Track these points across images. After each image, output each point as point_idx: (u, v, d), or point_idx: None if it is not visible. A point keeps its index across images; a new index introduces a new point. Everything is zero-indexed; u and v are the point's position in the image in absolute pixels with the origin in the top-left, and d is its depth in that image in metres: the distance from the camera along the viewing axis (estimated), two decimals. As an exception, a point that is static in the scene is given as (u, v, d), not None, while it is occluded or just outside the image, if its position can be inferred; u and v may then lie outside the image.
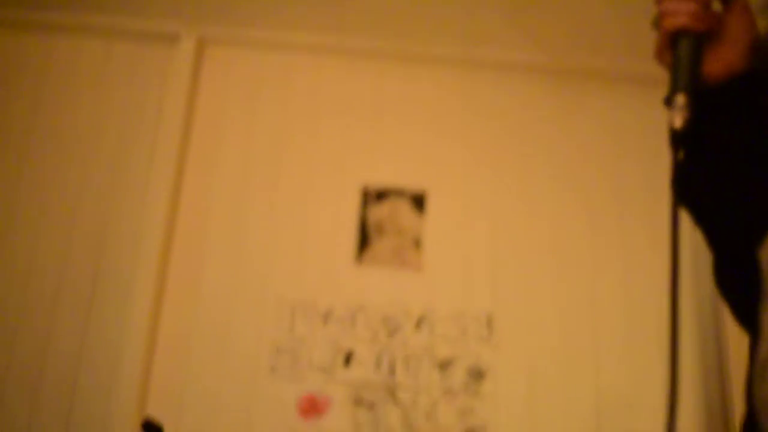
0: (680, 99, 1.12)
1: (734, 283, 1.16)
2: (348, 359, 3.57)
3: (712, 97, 1.14)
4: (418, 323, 3.62)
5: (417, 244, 3.75)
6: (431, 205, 3.81)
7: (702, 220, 1.16)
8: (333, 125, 3.92)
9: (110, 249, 3.73)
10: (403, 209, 3.80)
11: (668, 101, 1.14)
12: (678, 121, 1.12)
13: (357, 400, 3.52)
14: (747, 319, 1.14)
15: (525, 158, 3.86)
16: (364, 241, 3.75)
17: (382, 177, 3.84)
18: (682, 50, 1.14)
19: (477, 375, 3.55)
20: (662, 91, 1.18)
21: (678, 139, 1.12)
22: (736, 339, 3.26)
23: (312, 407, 3.51)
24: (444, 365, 3.56)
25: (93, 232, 3.75)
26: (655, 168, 3.67)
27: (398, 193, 3.82)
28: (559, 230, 3.69)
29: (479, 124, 3.92)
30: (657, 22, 1.17)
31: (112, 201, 3.79)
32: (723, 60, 1.15)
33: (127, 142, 3.86)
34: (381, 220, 3.78)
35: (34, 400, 3.54)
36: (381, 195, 3.81)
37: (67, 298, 3.67)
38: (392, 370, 3.55)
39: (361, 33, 3.98)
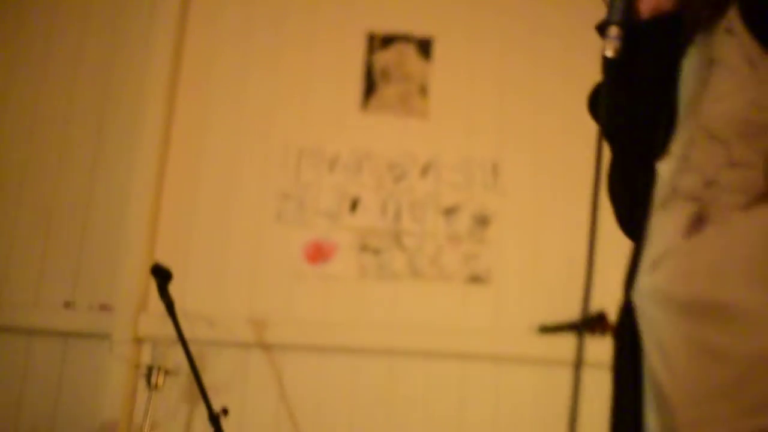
0: (613, 30, 1.24)
1: (627, 191, 1.31)
2: (354, 205, 3.60)
3: (639, 30, 1.26)
4: (424, 170, 3.63)
5: (423, 90, 3.72)
6: (438, 51, 3.76)
7: (613, 135, 1.29)
8: (339, -32, 3.83)
9: (115, 96, 3.72)
10: (410, 55, 3.76)
11: (602, 30, 1.27)
12: (610, 51, 1.24)
13: (363, 246, 3.56)
14: (630, 224, 1.30)
15: (534, 3, 3.78)
16: (370, 87, 3.72)
17: (388, 22, 3.78)
18: None
19: (482, 221, 3.58)
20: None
21: (609, 67, 1.24)
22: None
23: (318, 252, 3.56)
24: (449, 212, 3.59)
25: (97, 83, 3.73)
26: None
27: (404, 38, 3.77)
28: (567, 78, 3.64)
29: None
30: None
31: (115, 48, 3.76)
32: (652, 1, 1.29)
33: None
34: (387, 65, 3.74)
35: (44, 249, 3.59)
36: (387, 40, 3.76)
37: (74, 148, 3.68)
38: (398, 217, 3.58)
39: None
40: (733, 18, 1.14)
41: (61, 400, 3.45)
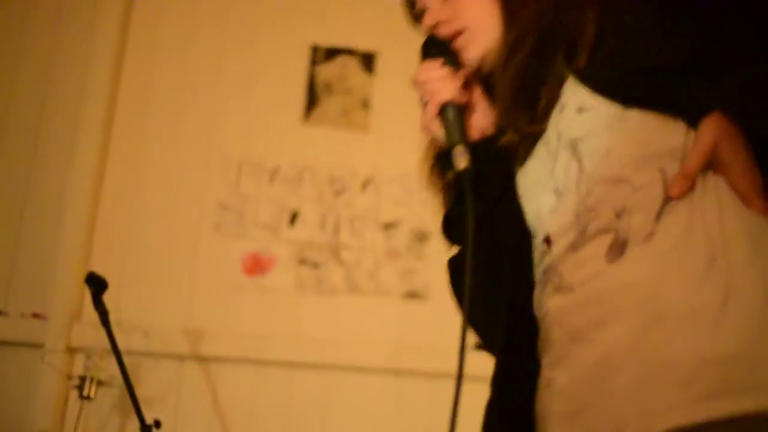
0: (459, 148, 1.40)
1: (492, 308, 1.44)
2: (293, 218, 3.59)
3: (476, 149, 1.43)
4: (364, 184, 3.64)
5: (366, 104, 3.73)
6: (381, 65, 3.77)
7: (478, 254, 1.36)
8: (283, -20, 3.83)
9: (53, 104, 3.66)
10: (353, 68, 3.76)
11: (447, 156, 1.42)
12: (464, 163, 1.39)
13: (301, 259, 3.56)
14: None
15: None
16: (312, 100, 3.72)
17: (332, 35, 3.79)
18: (451, 114, 1.44)
19: (420, 237, 3.59)
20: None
21: (464, 179, 1.38)
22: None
23: (256, 265, 3.54)
24: (388, 227, 3.60)
25: (36, 87, 3.68)
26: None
27: (348, 51, 3.77)
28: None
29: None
30: (425, 99, 1.48)
31: (55, 54, 3.71)
32: (478, 127, 1.48)
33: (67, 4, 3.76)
34: (329, 79, 3.74)
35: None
36: (330, 53, 3.77)
37: (9, 152, 3.62)
38: (337, 231, 3.58)
39: None
40: (581, 98, 1.29)
41: (-10, 409, 3.39)
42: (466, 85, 1.50)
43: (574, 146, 1.30)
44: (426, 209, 3.61)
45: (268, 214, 3.58)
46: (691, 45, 1.23)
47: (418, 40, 3.77)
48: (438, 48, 1.51)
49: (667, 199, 1.18)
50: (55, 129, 3.64)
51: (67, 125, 3.62)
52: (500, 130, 1.42)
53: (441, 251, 3.62)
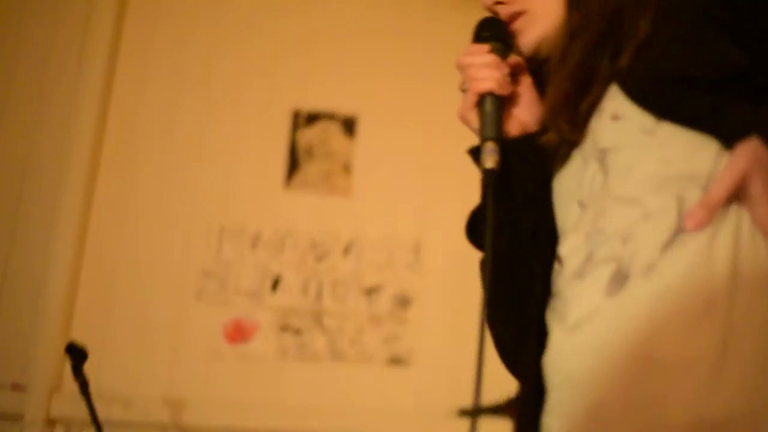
0: (490, 145, 1.34)
1: (514, 315, 1.36)
2: (275, 284, 3.58)
3: (511, 147, 1.37)
4: (347, 249, 3.63)
5: (347, 168, 3.74)
6: (362, 129, 3.79)
7: (497, 254, 1.31)
8: (265, 46, 3.84)
9: (35, 168, 3.65)
10: (334, 133, 3.77)
11: (477, 150, 1.37)
12: (490, 162, 1.33)
13: (283, 326, 3.54)
14: (513, 359, 1.38)
15: (457, 83, 3.83)
16: (293, 164, 3.73)
17: (313, 100, 3.80)
18: (489, 107, 1.37)
19: (403, 302, 3.58)
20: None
21: (491, 179, 1.32)
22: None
23: (238, 332, 3.52)
24: (371, 291, 3.59)
25: (16, 152, 3.66)
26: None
27: (329, 116, 3.79)
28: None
29: (412, 49, 3.88)
30: (465, 86, 1.42)
31: (37, 112, 3.70)
32: (519, 121, 1.40)
33: (52, 53, 3.75)
34: (311, 143, 3.75)
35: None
36: (312, 118, 3.78)
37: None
38: (319, 296, 3.57)
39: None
40: (617, 107, 1.21)
41: (-32, 482, 3.34)
42: (513, 75, 1.43)
43: (602, 157, 1.23)
44: (408, 273, 3.60)
45: (250, 280, 3.57)
46: (738, 60, 1.14)
47: (398, 103, 3.80)
48: (491, 31, 1.44)
49: (679, 230, 1.09)
50: (36, 194, 3.62)
51: (48, 190, 3.61)
52: (544, 126, 1.35)
53: (424, 316, 3.63)
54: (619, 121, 1.21)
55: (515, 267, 1.35)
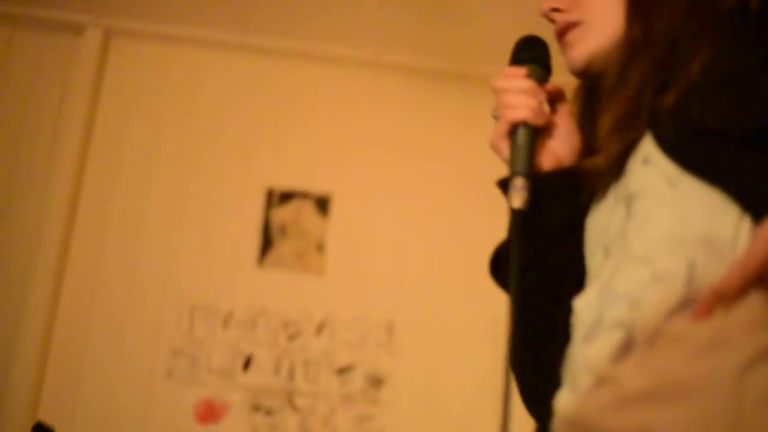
0: (519, 181, 1.24)
1: (537, 359, 1.27)
2: (247, 363, 3.55)
3: (543, 182, 1.27)
4: (319, 328, 3.62)
5: (320, 247, 3.75)
6: (336, 208, 3.80)
7: (522, 295, 1.23)
8: (239, 125, 3.87)
9: (4, 246, 3.63)
10: (308, 212, 3.78)
11: (506, 184, 1.26)
12: (517, 201, 1.23)
13: (255, 406, 3.51)
14: (536, 400, 1.27)
15: (431, 162, 3.87)
16: (267, 243, 3.73)
17: (287, 178, 3.82)
18: (521, 138, 1.27)
19: (375, 382, 3.56)
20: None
21: (517, 219, 1.22)
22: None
23: (209, 412, 3.48)
24: (343, 371, 3.57)
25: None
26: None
27: (303, 195, 3.80)
28: (464, 237, 3.71)
29: (385, 128, 3.92)
30: (497, 113, 1.30)
31: (8, 196, 3.69)
32: (553, 154, 1.31)
33: (26, 136, 3.76)
34: (284, 222, 3.76)
35: None
36: (285, 197, 3.79)
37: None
38: (291, 376, 3.55)
39: (269, 31, 3.93)
40: (649, 149, 1.13)
41: None
42: (550, 103, 1.33)
43: (629, 202, 1.15)
44: (380, 353, 3.59)
45: (222, 359, 3.54)
46: None
47: (371, 182, 3.81)
48: (530, 52, 1.34)
49: (686, 302, 1.02)
50: (7, 271, 3.60)
51: (20, 264, 3.59)
52: (588, 151, 1.26)
53: (396, 396, 3.61)
54: (648, 165, 1.13)
55: (538, 311, 1.28)
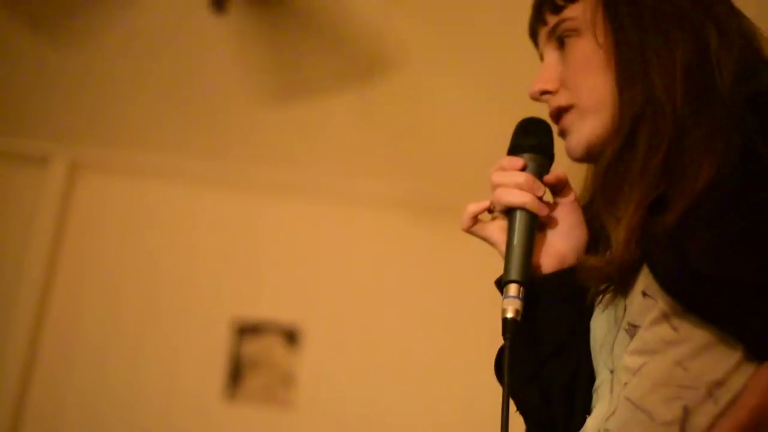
0: (512, 289, 1.12)
1: None
2: None
3: (542, 285, 1.16)
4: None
5: (291, 380, 3.65)
6: (306, 340, 3.73)
7: (523, 408, 1.17)
8: (207, 257, 3.82)
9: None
10: (277, 344, 3.71)
11: (501, 286, 1.15)
12: (510, 311, 1.11)
13: None
14: None
15: (402, 293, 3.82)
16: (235, 376, 3.64)
17: (256, 311, 3.75)
18: (515, 240, 1.15)
19: None
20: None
21: (509, 328, 1.11)
22: None
23: None
24: None
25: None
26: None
27: (272, 326, 3.72)
28: (437, 364, 3.63)
29: (356, 259, 3.87)
30: (494, 208, 1.20)
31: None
32: (555, 251, 1.19)
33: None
34: (254, 355, 3.68)
35: None
36: (254, 329, 3.72)
37: None
38: None
39: (237, 162, 3.91)
40: (649, 282, 1.04)
41: None
42: (554, 193, 1.21)
43: (632, 332, 1.08)
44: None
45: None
46: None
47: (341, 313, 3.75)
48: (528, 138, 1.21)
49: None
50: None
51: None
52: (595, 236, 1.17)
53: None
54: (647, 299, 1.05)
55: (548, 425, 1.18)
